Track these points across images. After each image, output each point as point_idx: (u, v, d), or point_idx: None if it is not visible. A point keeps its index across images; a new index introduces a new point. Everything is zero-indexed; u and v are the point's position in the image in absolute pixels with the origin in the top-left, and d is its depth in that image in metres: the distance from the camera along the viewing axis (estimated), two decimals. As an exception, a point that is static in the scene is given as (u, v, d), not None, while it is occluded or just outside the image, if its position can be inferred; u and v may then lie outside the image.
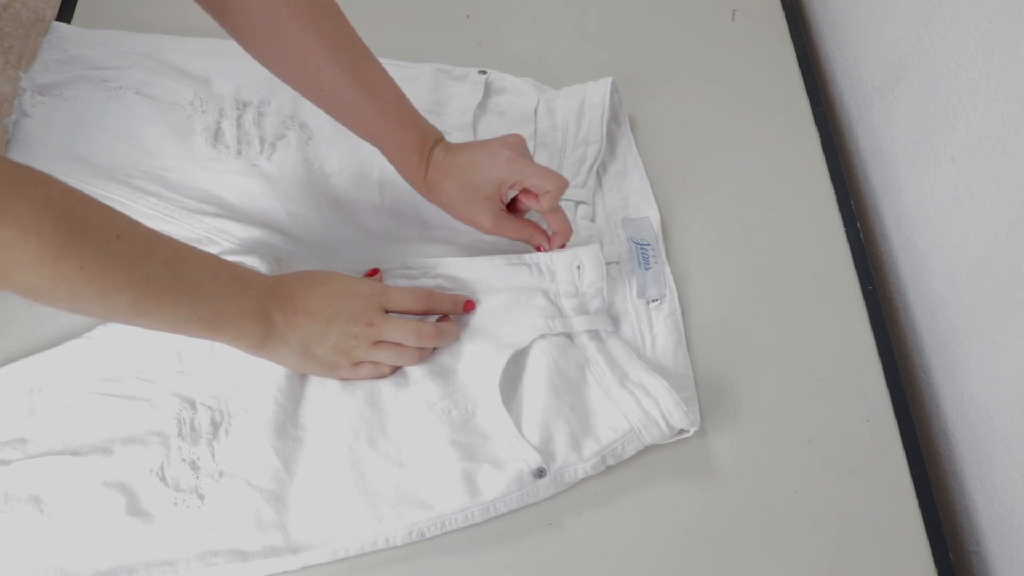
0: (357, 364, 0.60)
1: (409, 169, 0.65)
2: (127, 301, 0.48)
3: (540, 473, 0.58)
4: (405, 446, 0.60)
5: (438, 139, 0.66)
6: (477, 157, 0.64)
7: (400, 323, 0.60)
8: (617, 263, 0.69)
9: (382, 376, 0.62)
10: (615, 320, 0.66)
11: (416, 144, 0.64)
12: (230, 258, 0.65)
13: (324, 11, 0.58)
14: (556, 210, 0.65)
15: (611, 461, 0.60)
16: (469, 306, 0.65)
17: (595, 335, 0.64)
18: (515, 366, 0.63)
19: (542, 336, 0.63)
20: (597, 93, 0.76)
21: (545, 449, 0.59)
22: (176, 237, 0.66)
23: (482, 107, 0.77)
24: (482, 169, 0.63)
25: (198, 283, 0.51)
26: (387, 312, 0.61)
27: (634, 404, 0.60)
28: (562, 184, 0.63)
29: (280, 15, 0.56)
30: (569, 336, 0.64)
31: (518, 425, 0.60)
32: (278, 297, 0.57)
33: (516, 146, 0.64)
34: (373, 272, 0.66)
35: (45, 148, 0.71)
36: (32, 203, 0.41)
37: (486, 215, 0.65)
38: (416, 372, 0.62)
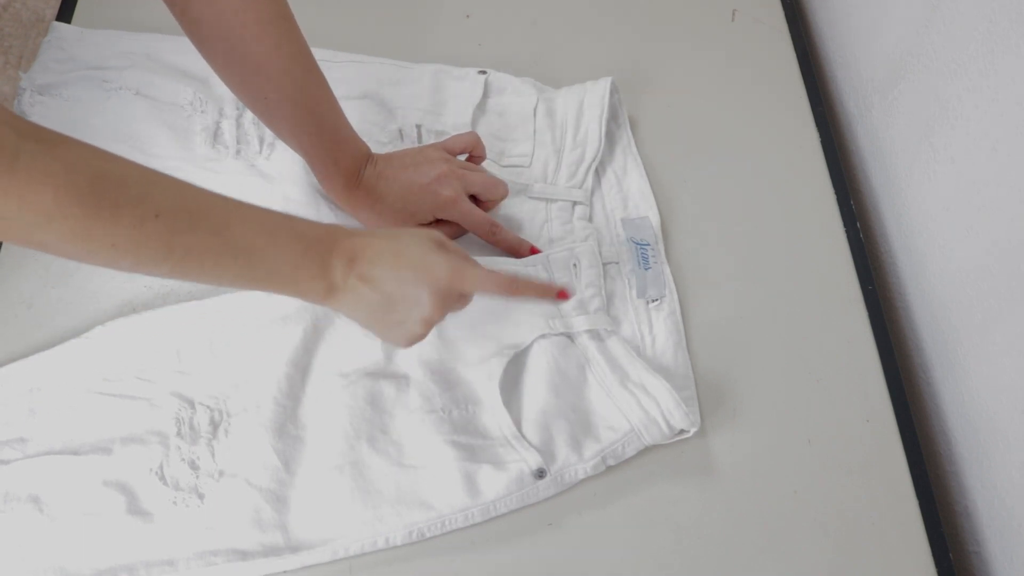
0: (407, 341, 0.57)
1: (333, 188, 0.65)
2: (165, 270, 0.47)
3: (540, 474, 0.58)
4: (405, 446, 0.60)
5: (366, 156, 0.66)
6: (410, 192, 0.65)
7: (465, 300, 0.57)
8: (617, 263, 0.69)
9: None
10: (615, 320, 0.66)
11: (344, 164, 0.64)
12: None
13: (283, 21, 0.58)
14: (501, 231, 0.68)
15: (611, 461, 0.60)
16: (562, 295, 0.59)
17: (595, 335, 0.64)
18: (515, 366, 0.63)
19: (542, 336, 0.63)
20: (596, 93, 0.76)
21: (545, 449, 0.59)
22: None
23: (481, 107, 0.77)
24: (417, 201, 0.65)
25: (249, 248, 0.49)
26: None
27: (634, 404, 0.60)
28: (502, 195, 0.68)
29: (243, 19, 0.56)
30: (569, 336, 0.64)
31: (518, 425, 0.60)
32: (345, 256, 0.53)
33: (445, 176, 0.66)
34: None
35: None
36: (55, 189, 0.40)
37: None
38: (417, 372, 0.62)
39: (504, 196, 0.69)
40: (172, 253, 0.46)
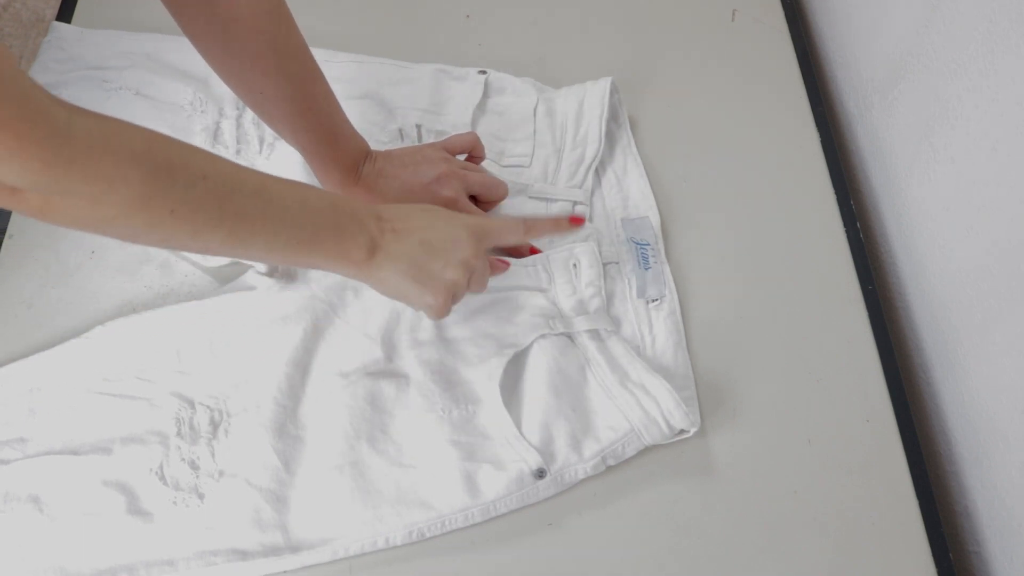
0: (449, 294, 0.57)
1: (331, 185, 0.65)
2: (221, 236, 0.47)
3: (540, 474, 0.58)
4: (405, 446, 0.60)
5: (365, 153, 0.66)
6: (411, 191, 0.65)
7: (488, 270, 0.59)
8: (617, 263, 0.69)
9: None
10: (615, 320, 0.66)
11: (342, 161, 0.64)
12: (230, 258, 0.66)
13: (280, 17, 0.59)
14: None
15: (611, 461, 0.60)
16: (576, 221, 0.62)
17: (595, 335, 0.64)
18: (515, 366, 0.63)
19: (542, 336, 0.63)
20: (596, 93, 0.76)
21: (545, 449, 0.59)
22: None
23: (481, 107, 0.77)
24: (417, 201, 0.65)
25: (287, 208, 0.50)
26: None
27: (635, 404, 0.60)
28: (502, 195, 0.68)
29: (238, 14, 0.56)
30: (569, 336, 0.64)
31: (518, 425, 0.60)
32: (371, 215, 0.55)
33: (445, 176, 0.66)
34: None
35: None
36: (115, 156, 0.41)
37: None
38: (417, 372, 0.62)
39: (504, 196, 0.69)
40: (225, 218, 0.47)
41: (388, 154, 0.67)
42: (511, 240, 0.61)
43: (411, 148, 0.69)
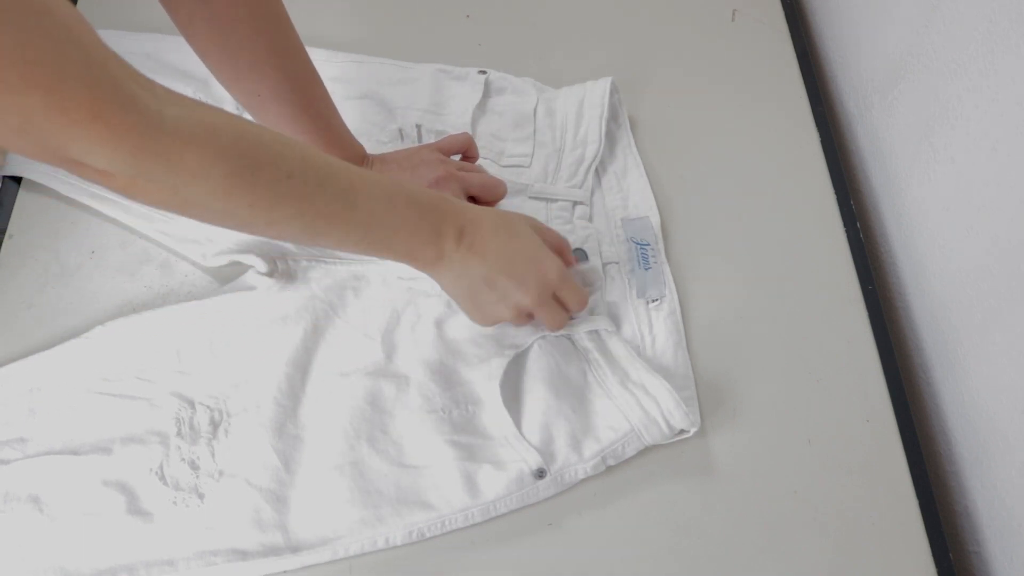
0: (491, 323, 0.60)
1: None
2: (296, 229, 0.49)
3: (540, 474, 0.58)
4: (405, 446, 0.60)
5: (361, 156, 0.66)
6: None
7: (555, 312, 0.60)
8: (617, 263, 0.69)
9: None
10: (615, 320, 0.66)
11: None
12: (229, 258, 0.66)
13: (277, 18, 0.59)
14: None
15: (611, 461, 0.60)
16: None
17: (595, 336, 0.64)
18: (516, 367, 0.63)
19: (542, 337, 0.63)
20: (596, 93, 0.76)
21: (545, 449, 0.59)
22: (175, 237, 0.68)
23: (481, 107, 0.77)
24: None
25: (371, 212, 0.51)
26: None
27: (634, 404, 0.60)
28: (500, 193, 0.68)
29: (235, 15, 0.56)
30: (569, 338, 0.64)
31: (518, 425, 0.60)
32: (455, 225, 0.55)
33: (444, 178, 0.65)
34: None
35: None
36: (200, 151, 0.42)
37: None
38: (417, 372, 0.62)
39: (503, 196, 0.69)
40: (303, 214, 0.48)
41: (384, 157, 0.67)
42: (575, 310, 0.61)
43: (407, 151, 0.69)
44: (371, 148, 0.73)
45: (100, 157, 0.39)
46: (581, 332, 0.63)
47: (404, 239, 0.54)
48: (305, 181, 0.48)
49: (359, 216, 0.51)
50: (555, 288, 0.58)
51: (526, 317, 0.60)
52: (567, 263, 0.62)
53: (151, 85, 0.41)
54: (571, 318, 0.62)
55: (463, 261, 0.56)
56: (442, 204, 0.55)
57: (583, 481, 0.60)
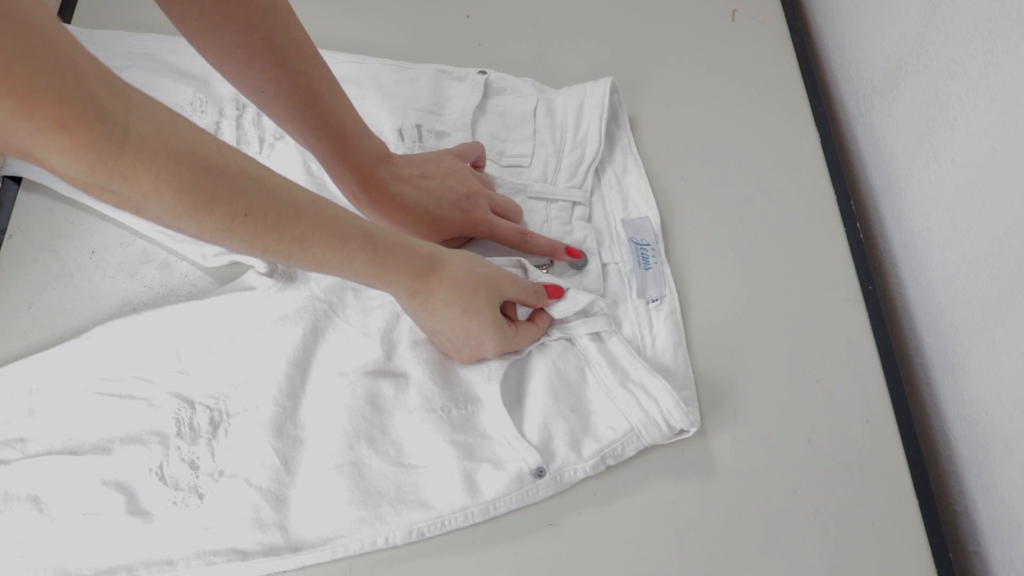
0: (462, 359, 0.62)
1: (347, 189, 0.64)
2: (246, 253, 0.52)
3: (540, 473, 0.58)
4: (405, 446, 0.60)
5: (382, 156, 0.64)
6: (439, 206, 0.65)
7: (528, 334, 0.62)
8: (617, 263, 0.69)
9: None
10: (615, 321, 0.66)
11: (355, 163, 0.62)
12: (229, 258, 0.66)
13: (276, 12, 0.57)
14: (532, 237, 0.67)
15: (611, 461, 0.60)
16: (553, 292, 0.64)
17: (596, 336, 0.64)
18: (515, 367, 0.63)
19: (541, 344, 0.63)
20: (596, 93, 0.76)
21: (545, 449, 0.59)
22: (174, 238, 0.67)
23: (481, 107, 0.77)
24: (447, 217, 0.65)
25: (323, 260, 0.52)
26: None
27: (634, 404, 0.60)
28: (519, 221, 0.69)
29: (228, 11, 0.55)
30: (569, 339, 0.64)
31: (518, 425, 0.60)
32: (410, 289, 0.57)
33: (475, 194, 0.66)
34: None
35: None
36: (156, 176, 0.42)
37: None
38: (417, 372, 0.62)
39: (519, 220, 0.70)
40: (253, 248, 0.49)
41: (408, 160, 0.66)
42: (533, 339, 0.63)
43: (431, 155, 0.68)
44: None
45: (59, 164, 0.39)
46: (581, 333, 0.63)
47: (368, 284, 0.56)
48: (263, 221, 0.48)
49: (312, 260, 0.52)
50: (501, 352, 0.61)
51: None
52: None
53: (127, 95, 0.41)
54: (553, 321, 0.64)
55: (416, 316, 0.60)
56: (400, 263, 0.55)
57: (583, 481, 0.60)
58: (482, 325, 0.59)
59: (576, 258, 0.67)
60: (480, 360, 0.62)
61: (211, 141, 0.46)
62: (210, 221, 0.46)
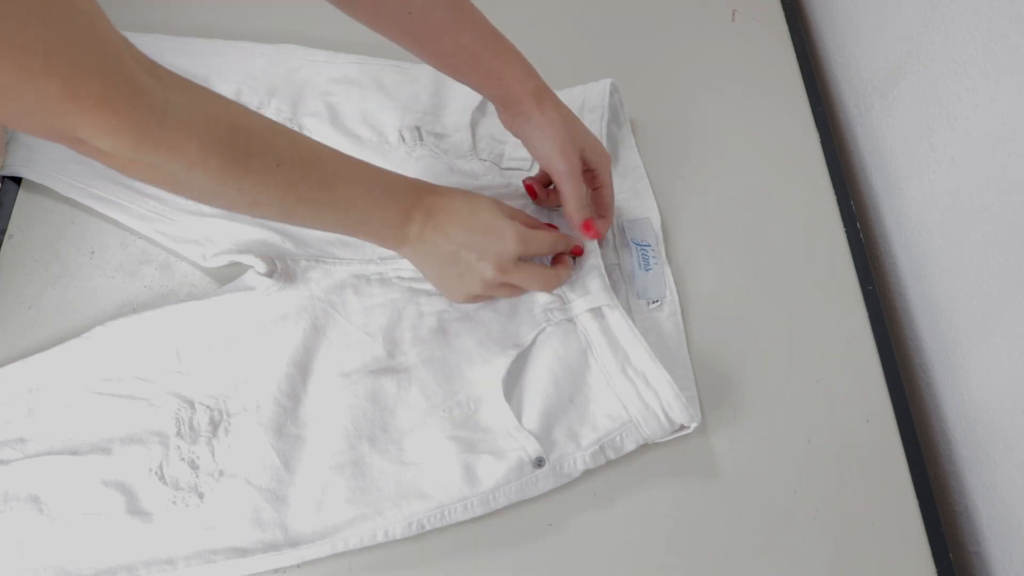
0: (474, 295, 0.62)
1: (522, 110, 0.63)
2: (276, 212, 0.53)
3: (539, 462, 0.58)
4: (406, 444, 0.60)
5: (534, 94, 0.64)
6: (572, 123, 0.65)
7: (529, 272, 0.61)
8: (617, 264, 0.69)
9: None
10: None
11: (518, 86, 0.63)
12: (229, 259, 0.66)
13: None
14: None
15: (611, 454, 0.60)
16: (577, 251, 0.65)
17: (597, 313, 0.63)
18: (517, 357, 0.63)
19: (543, 329, 0.63)
20: (596, 95, 0.76)
21: (544, 438, 0.59)
22: (174, 238, 0.68)
23: (481, 109, 0.77)
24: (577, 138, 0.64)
25: (349, 199, 0.54)
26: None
27: (634, 395, 0.60)
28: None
29: None
30: (571, 320, 0.63)
31: (518, 415, 0.60)
32: (424, 211, 0.58)
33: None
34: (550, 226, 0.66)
35: (45, 149, 0.71)
36: (200, 141, 0.45)
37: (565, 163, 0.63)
38: (419, 369, 0.62)
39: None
40: (286, 198, 0.51)
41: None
42: (544, 254, 0.64)
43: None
44: (370, 149, 0.73)
45: (105, 142, 0.41)
46: (583, 311, 0.63)
47: (375, 224, 0.57)
48: (292, 168, 0.50)
49: (336, 201, 0.54)
50: (517, 251, 0.59)
51: (501, 287, 0.61)
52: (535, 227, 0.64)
53: (157, 71, 0.43)
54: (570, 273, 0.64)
55: (429, 241, 0.59)
56: (414, 191, 0.58)
57: (583, 481, 0.60)
58: (493, 216, 0.60)
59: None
60: (504, 271, 0.59)
61: (234, 104, 0.48)
62: (249, 178, 0.48)
